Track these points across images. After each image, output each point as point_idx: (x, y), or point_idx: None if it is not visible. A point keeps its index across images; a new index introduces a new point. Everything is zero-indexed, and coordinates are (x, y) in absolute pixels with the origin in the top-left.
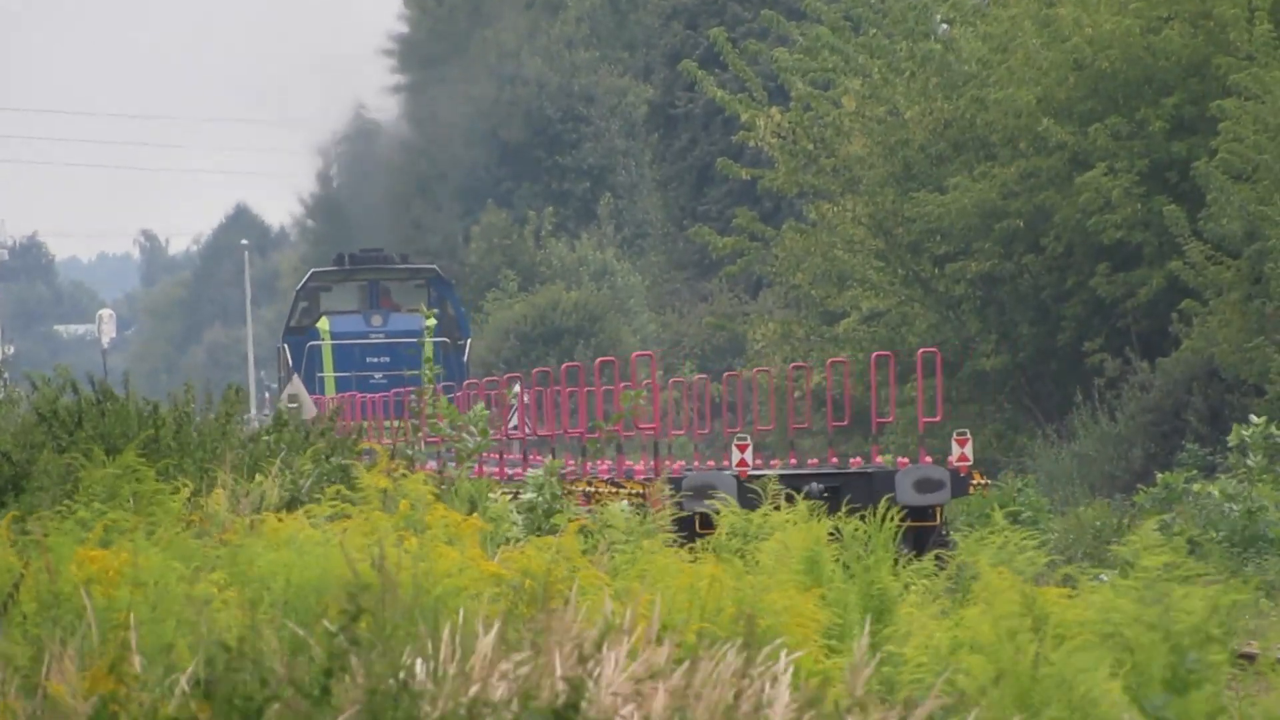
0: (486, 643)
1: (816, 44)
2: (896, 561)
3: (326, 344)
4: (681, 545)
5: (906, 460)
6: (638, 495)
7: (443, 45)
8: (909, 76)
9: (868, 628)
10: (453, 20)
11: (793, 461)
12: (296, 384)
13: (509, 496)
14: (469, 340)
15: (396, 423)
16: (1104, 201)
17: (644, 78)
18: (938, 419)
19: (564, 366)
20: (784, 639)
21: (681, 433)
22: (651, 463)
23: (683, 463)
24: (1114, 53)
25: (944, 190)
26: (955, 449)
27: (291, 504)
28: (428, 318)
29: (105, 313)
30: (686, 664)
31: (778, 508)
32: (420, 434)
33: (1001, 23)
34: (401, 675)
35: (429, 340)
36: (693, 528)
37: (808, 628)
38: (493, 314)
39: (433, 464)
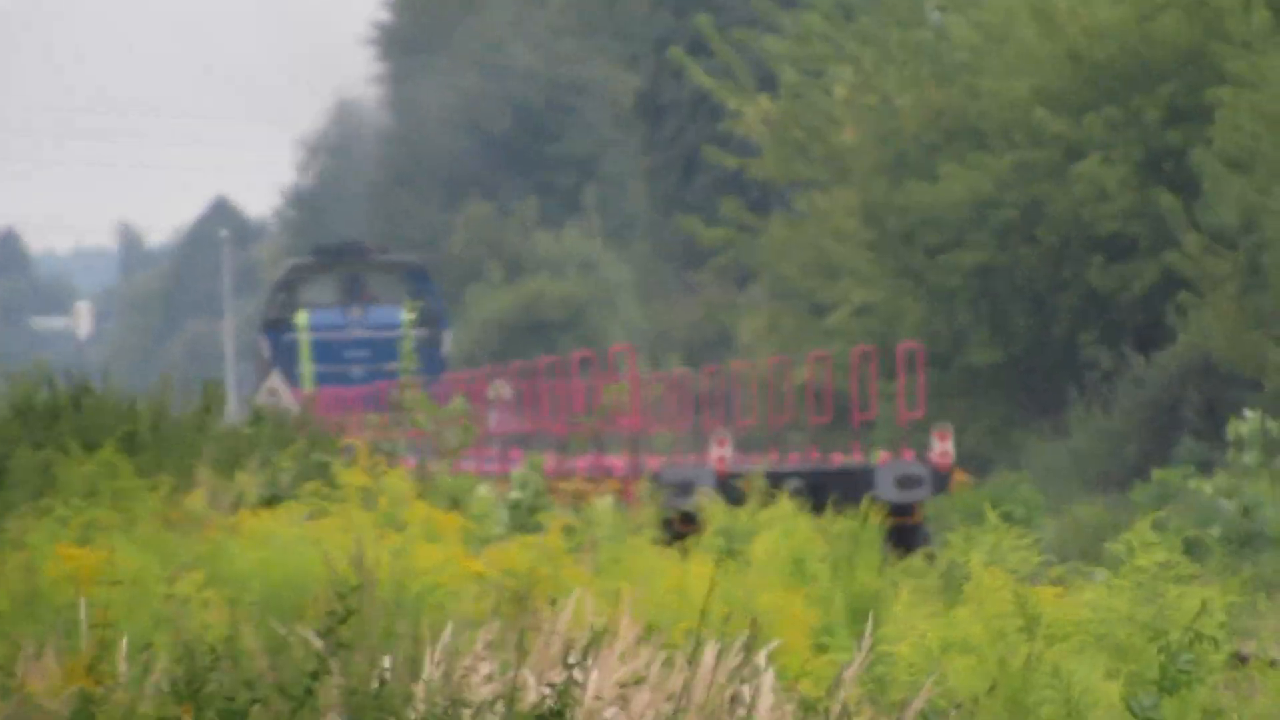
0: (470, 644)
1: (808, 32)
2: (884, 560)
3: (304, 337)
4: (666, 544)
5: (888, 456)
6: (616, 493)
7: (427, 34)
8: (901, 65)
9: (870, 628)
10: (438, 8)
11: (774, 457)
12: (276, 378)
13: (491, 494)
14: (449, 333)
15: (376, 418)
16: (1099, 192)
17: (631, 66)
18: (919, 414)
19: (540, 361)
20: (775, 642)
21: (662, 428)
22: (630, 459)
23: (664, 458)
24: (1110, 43)
25: (936, 180)
26: (936, 444)
27: (271, 501)
28: (408, 310)
29: (83, 306)
30: (677, 666)
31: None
32: (400, 429)
33: (996, 11)
34: (384, 677)
35: (409, 334)
36: (674, 525)
37: (796, 627)
38: (476, 306)
39: (413, 460)
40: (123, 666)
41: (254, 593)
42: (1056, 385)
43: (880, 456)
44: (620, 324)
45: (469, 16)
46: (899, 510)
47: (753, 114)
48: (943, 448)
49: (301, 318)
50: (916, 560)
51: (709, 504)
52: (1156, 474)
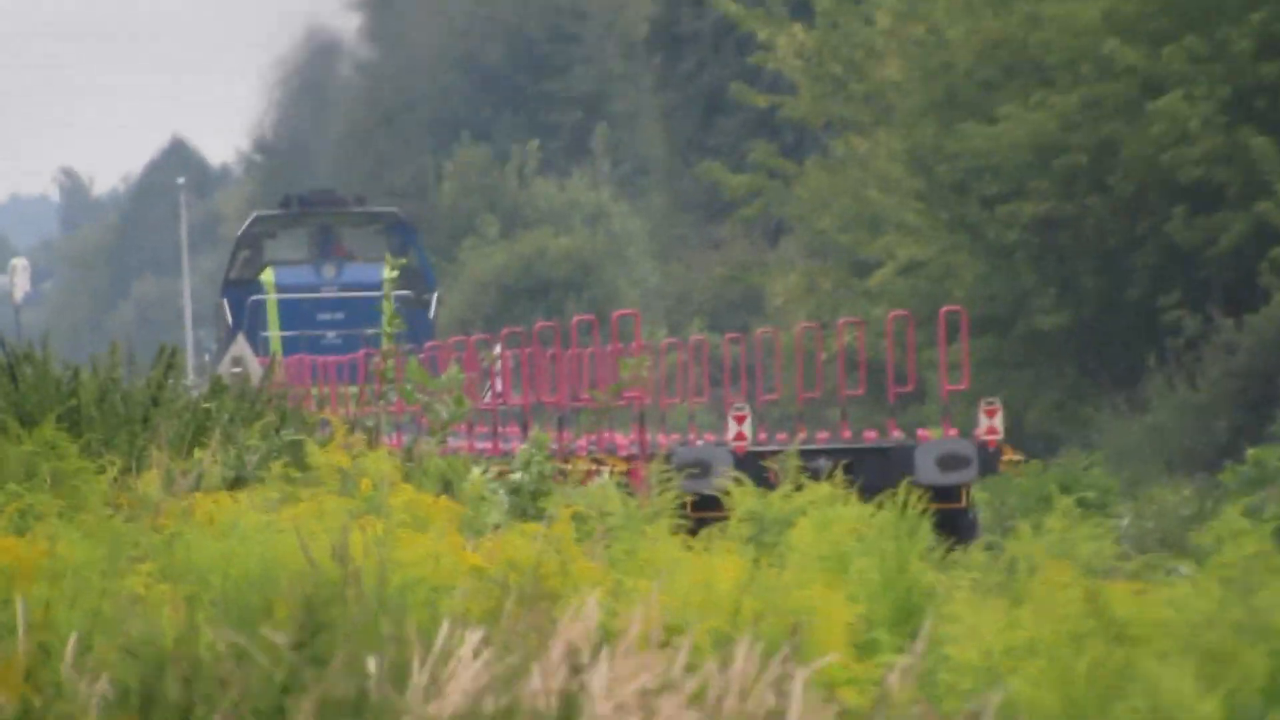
0: (464, 647)
1: None
2: (931, 552)
3: (271, 298)
4: (689, 532)
5: (928, 433)
6: (623, 474)
7: None
8: None
9: (926, 630)
10: None
11: (801, 435)
12: (241, 344)
13: (489, 474)
14: (436, 294)
15: (354, 389)
16: (1180, 133)
17: None
18: (964, 386)
19: (537, 327)
20: (820, 652)
21: (676, 400)
22: (638, 436)
23: (678, 436)
24: None
25: (993, 121)
26: (983, 420)
27: (235, 484)
28: (390, 268)
29: (19, 262)
30: (704, 672)
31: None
32: (384, 403)
33: None
34: (364, 685)
35: (390, 294)
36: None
37: (837, 629)
38: (470, 264)
39: (396, 438)
40: (67, 673)
41: (214, 589)
42: (1133, 353)
43: (920, 434)
44: (634, 284)
45: None
46: (941, 494)
47: (785, 46)
48: (990, 424)
49: (268, 276)
50: (972, 552)
51: (734, 488)
52: (1251, 453)
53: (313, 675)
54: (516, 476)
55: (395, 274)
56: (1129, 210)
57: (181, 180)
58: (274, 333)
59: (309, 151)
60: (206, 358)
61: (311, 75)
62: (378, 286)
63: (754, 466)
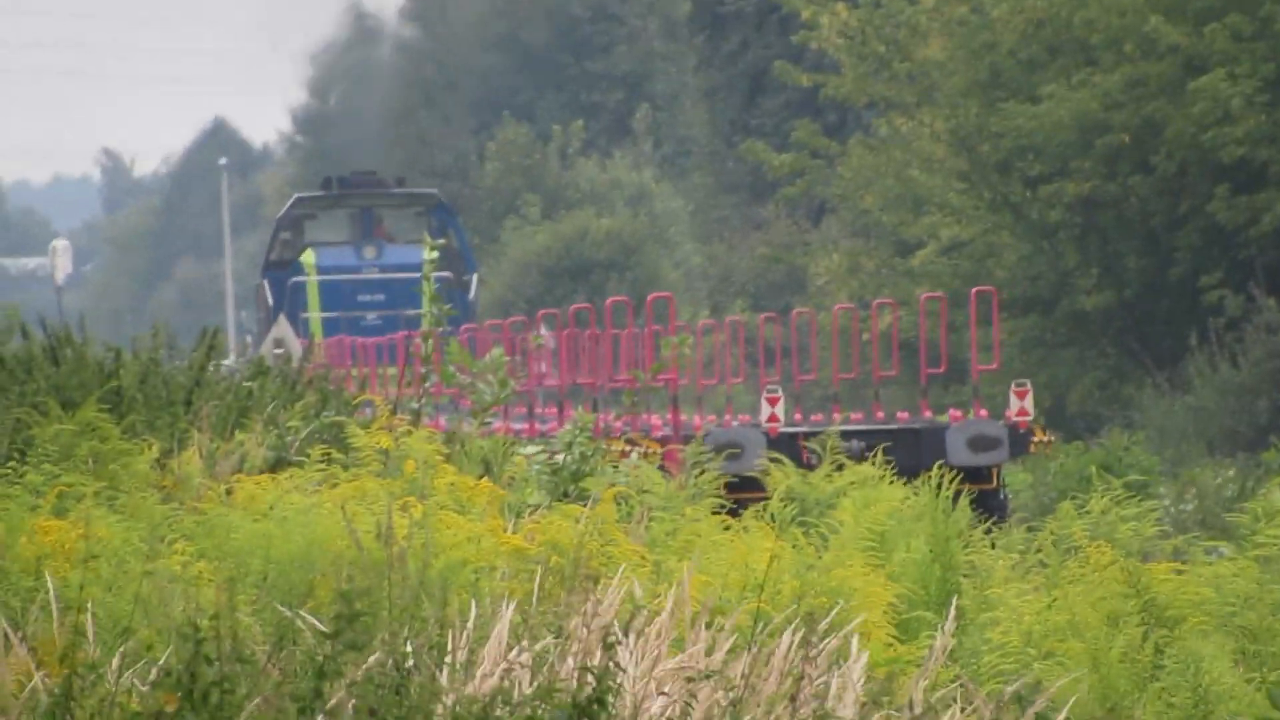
0: (501, 627)
1: None
2: (969, 532)
3: (312, 280)
4: (729, 513)
5: (960, 414)
6: (654, 454)
7: None
8: None
9: (952, 611)
10: None
11: (836, 416)
12: (283, 326)
13: (531, 455)
14: (475, 276)
15: (393, 371)
16: (1223, 112)
17: None
18: (994, 367)
19: (572, 309)
20: (855, 623)
21: (714, 381)
22: (672, 417)
23: (713, 418)
24: None
25: (1037, 101)
26: (1014, 402)
27: (276, 466)
28: (430, 249)
29: (60, 244)
30: (745, 653)
31: (811, 466)
32: (426, 384)
33: None
34: (406, 665)
35: (430, 275)
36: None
37: (878, 610)
38: (511, 245)
39: (440, 420)
40: (110, 657)
41: (254, 571)
42: (1175, 333)
43: (952, 415)
44: (675, 265)
45: None
46: (972, 475)
47: (829, 25)
48: (1021, 405)
49: (309, 257)
50: (1012, 532)
51: (774, 469)
52: None
53: (353, 657)
54: (558, 458)
55: (435, 255)
56: (1171, 190)
57: (223, 161)
58: (314, 314)
59: (351, 132)
60: (248, 339)
61: (355, 57)
62: (418, 268)
63: (787, 447)
